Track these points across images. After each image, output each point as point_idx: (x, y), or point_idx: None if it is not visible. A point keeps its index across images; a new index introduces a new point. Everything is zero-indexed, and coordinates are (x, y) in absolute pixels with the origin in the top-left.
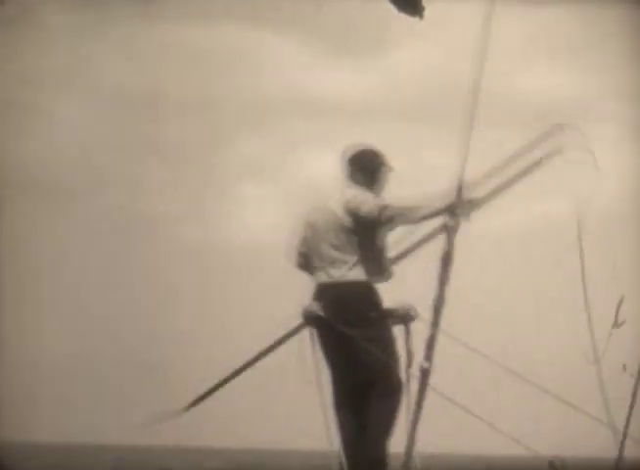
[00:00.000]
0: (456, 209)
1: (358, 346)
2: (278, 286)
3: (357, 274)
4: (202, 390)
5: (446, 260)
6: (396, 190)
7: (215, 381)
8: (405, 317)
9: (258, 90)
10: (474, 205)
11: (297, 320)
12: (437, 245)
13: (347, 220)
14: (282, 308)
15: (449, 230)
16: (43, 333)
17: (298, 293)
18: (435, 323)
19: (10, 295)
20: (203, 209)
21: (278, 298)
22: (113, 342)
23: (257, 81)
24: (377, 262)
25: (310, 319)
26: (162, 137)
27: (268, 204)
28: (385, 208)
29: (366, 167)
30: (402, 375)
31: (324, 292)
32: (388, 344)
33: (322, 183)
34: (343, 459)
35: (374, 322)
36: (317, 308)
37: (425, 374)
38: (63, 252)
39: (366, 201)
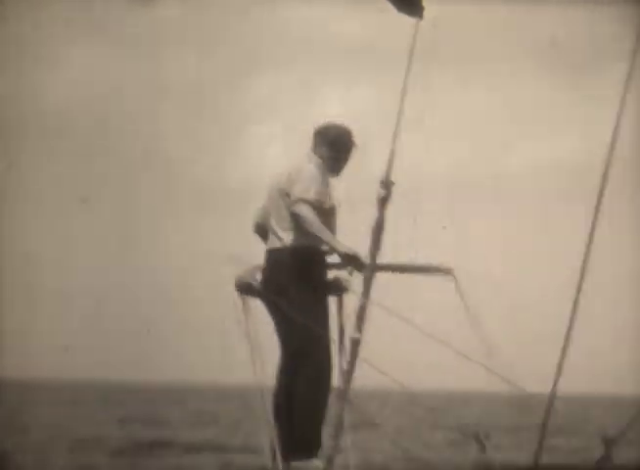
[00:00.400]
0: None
1: (286, 313)
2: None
3: (291, 241)
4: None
5: (377, 230)
6: (414, 128)
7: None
8: (338, 288)
9: (273, 29)
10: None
11: None
12: (369, 214)
13: (287, 189)
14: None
15: (381, 200)
16: (44, 269)
17: None
18: (366, 294)
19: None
20: (216, 149)
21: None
22: (119, 279)
23: (272, 20)
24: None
25: (241, 288)
26: (176, 78)
27: (281, 143)
28: (305, 202)
29: (331, 143)
30: (334, 346)
31: (266, 258)
32: (316, 313)
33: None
34: (275, 432)
35: (302, 290)
36: (249, 276)
37: (355, 344)
38: (72, 191)
39: (303, 181)
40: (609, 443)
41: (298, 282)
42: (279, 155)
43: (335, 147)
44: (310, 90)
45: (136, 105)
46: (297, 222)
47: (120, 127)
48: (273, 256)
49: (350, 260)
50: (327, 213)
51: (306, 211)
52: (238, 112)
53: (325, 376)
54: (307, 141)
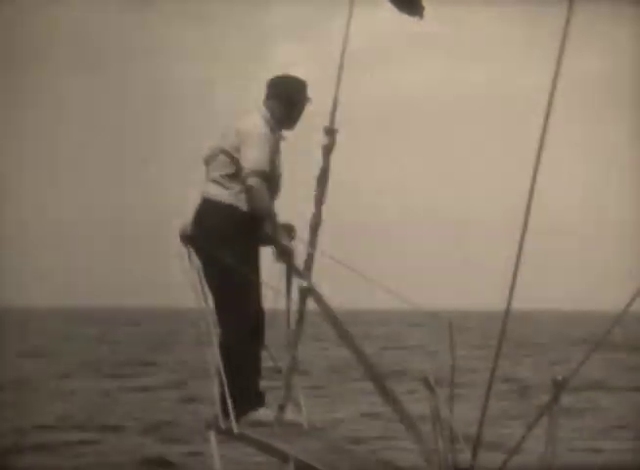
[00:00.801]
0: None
1: (217, 262)
2: (314, 144)
3: (231, 200)
4: None
5: (322, 180)
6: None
7: None
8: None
9: None
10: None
11: None
12: (314, 164)
13: (234, 143)
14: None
15: (325, 149)
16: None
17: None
18: (313, 243)
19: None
20: (237, 72)
21: (313, 155)
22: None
23: None
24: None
25: (184, 238)
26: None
27: (304, 67)
28: (259, 175)
29: (282, 97)
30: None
31: (202, 205)
32: (247, 263)
33: (361, 48)
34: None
35: (234, 242)
36: (188, 226)
37: (304, 293)
38: (92, 115)
39: (254, 146)
40: (558, 384)
41: (232, 235)
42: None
43: (286, 101)
44: (336, 14)
45: (153, 28)
46: (249, 195)
47: (141, 51)
48: (209, 206)
49: (285, 255)
50: (275, 171)
51: (260, 190)
52: (258, 35)
53: (255, 325)
54: (330, 63)
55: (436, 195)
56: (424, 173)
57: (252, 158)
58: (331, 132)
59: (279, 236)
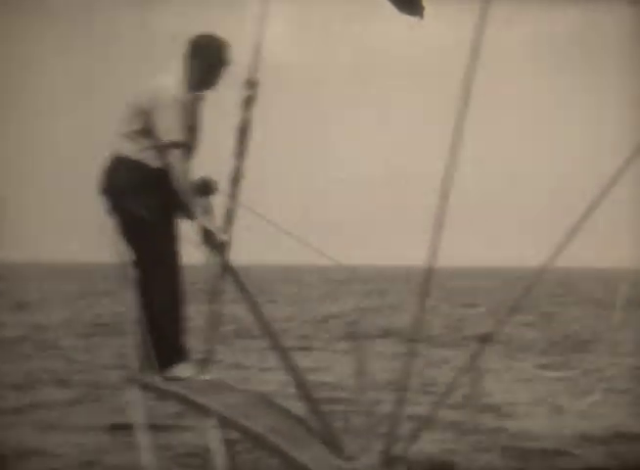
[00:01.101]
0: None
1: (133, 219)
2: (291, 98)
3: (144, 158)
4: None
5: (242, 134)
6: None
7: None
8: (204, 190)
9: None
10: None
11: None
12: (235, 116)
13: (146, 100)
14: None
15: (246, 101)
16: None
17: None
18: (233, 196)
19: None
20: (215, 23)
21: (290, 103)
22: None
23: None
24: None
25: (101, 191)
26: None
27: (279, 19)
28: (175, 146)
29: (201, 56)
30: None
31: (113, 163)
32: (161, 219)
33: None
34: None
35: (146, 198)
36: (103, 180)
37: (223, 247)
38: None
39: (166, 114)
40: (483, 339)
41: (142, 190)
42: (279, 31)
43: (206, 61)
44: None
45: None
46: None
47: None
48: (119, 161)
49: (208, 239)
50: (190, 130)
51: (179, 167)
52: None
53: (174, 279)
54: (310, 15)
55: (399, 152)
56: (384, 130)
57: (164, 126)
58: (252, 84)
59: (201, 220)
